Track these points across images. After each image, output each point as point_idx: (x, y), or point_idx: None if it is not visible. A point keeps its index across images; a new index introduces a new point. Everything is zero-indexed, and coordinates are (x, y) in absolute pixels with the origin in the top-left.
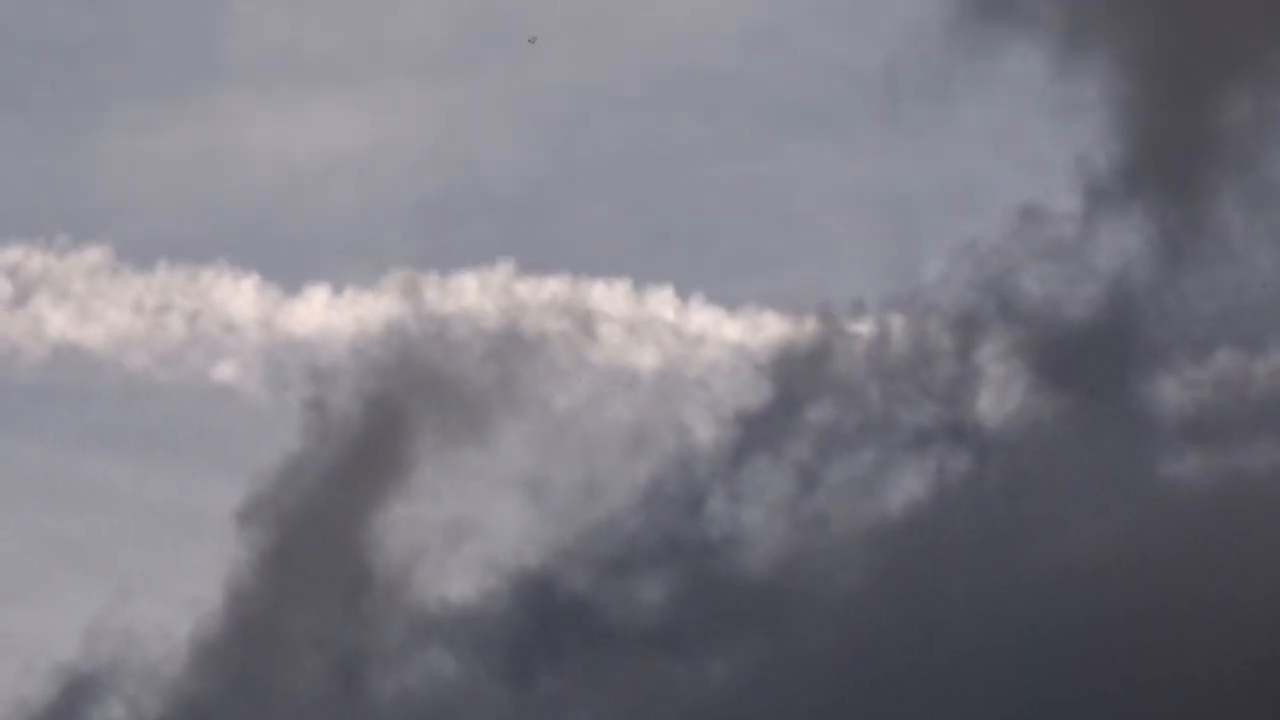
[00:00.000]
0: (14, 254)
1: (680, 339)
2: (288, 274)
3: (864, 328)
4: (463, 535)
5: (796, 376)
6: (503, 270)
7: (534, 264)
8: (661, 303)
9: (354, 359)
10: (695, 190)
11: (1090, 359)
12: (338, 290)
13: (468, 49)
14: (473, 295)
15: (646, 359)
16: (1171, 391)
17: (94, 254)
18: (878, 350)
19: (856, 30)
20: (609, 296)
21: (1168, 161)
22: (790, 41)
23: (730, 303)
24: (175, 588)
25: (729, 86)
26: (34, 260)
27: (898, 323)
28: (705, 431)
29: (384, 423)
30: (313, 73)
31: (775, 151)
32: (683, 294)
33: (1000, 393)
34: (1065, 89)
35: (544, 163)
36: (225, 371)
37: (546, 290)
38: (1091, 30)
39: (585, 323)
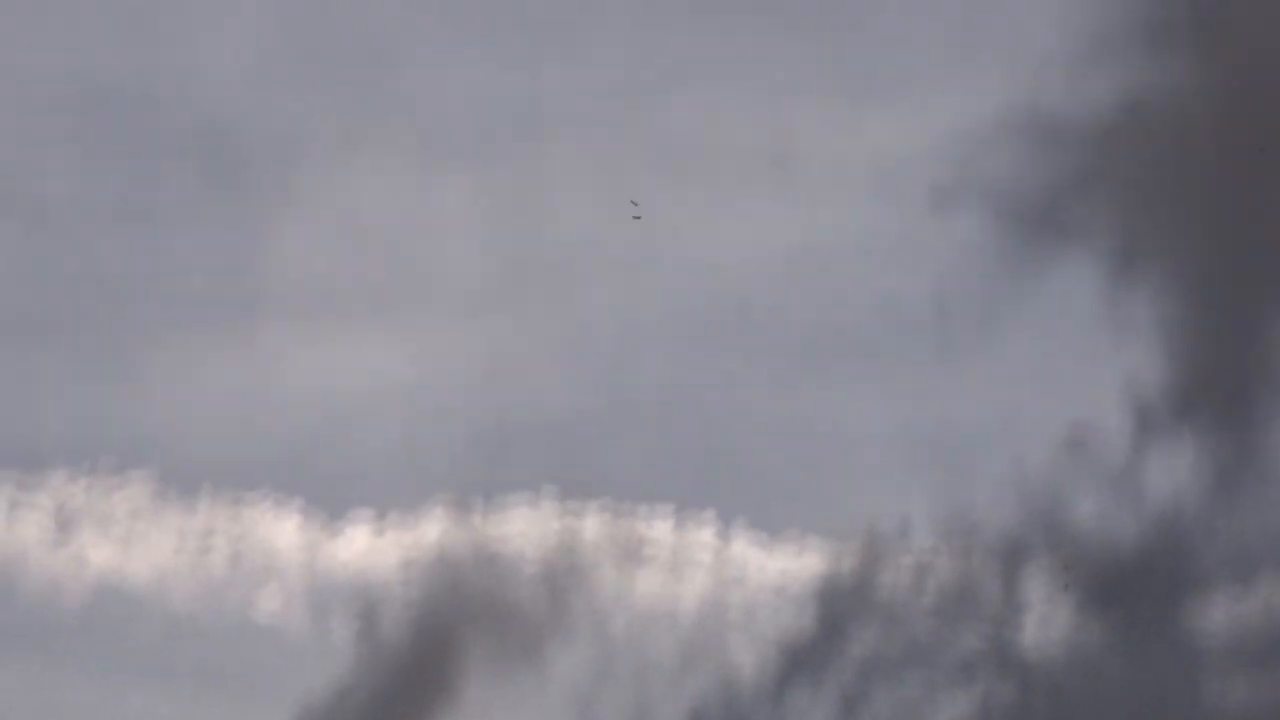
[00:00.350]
0: (57, 483)
1: (723, 567)
2: (331, 505)
3: (909, 554)
4: None
5: (840, 603)
6: (547, 500)
7: (578, 493)
8: (704, 531)
9: (400, 586)
10: (739, 420)
11: (1137, 585)
12: (381, 521)
13: (509, 281)
14: (516, 524)
15: (689, 587)
16: (1218, 617)
17: (137, 483)
18: (923, 577)
19: (903, 260)
20: (652, 525)
21: (1216, 386)
22: (835, 273)
23: (773, 531)
24: None
25: (772, 317)
26: (77, 488)
27: (943, 549)
28: (749, 658)
29: (431, 648)
30: (355, 305)
31: (819, 381)
32: (725, 522)
33: (1046, 618)
34: (1114, 311)
35: (587, 394)
36: (269, 603)
37: (590, 519)
38: (1142, 252)
39: (628, 551)
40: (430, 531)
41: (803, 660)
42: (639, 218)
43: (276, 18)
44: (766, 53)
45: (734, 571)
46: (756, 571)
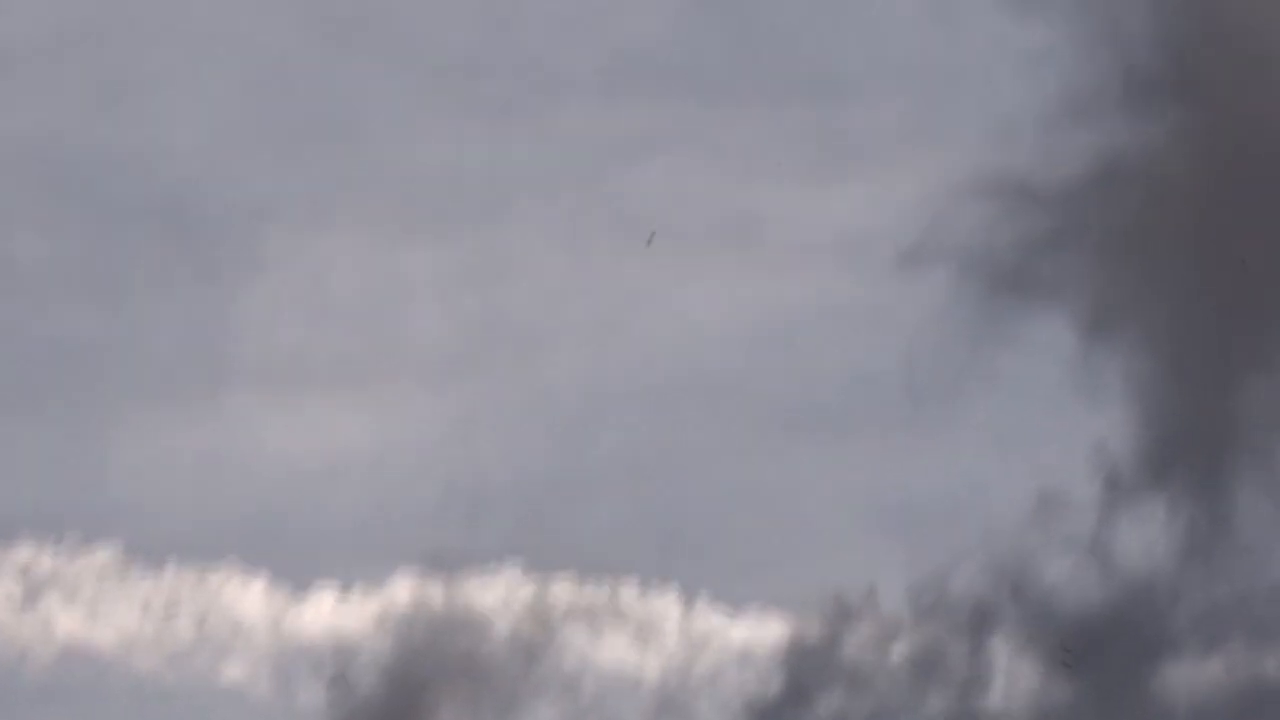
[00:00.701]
0: (23, 553)
1: (690, 629)
2: (297, 574)
3: (876, 617)
4: None
5: (806, 666)
6: (511, 569)
7: (542, 563)
8: (670, 599)
9: (369, 647)
10: (703, 491)
11: (1106, 649)
12: (347, 589)
13: (475, 351)
14: (481, 593)
15: (657, 649)
16: (1187, 682)
17: (103, 553)
18: (890, 641)
19: (870, 327)
20: (616, 596)
21: (1188, 450)
22: (801, 341)
23: (737, 603)
24: None
25: (738, 386)
26: (43, 559)
27: (910, 612)
28: (716, 718)
29: (401, 708)
30: (321, 375)
31: (787, 451)
32: (691, 588)
33: (1013, 682)
34: (1085, 375)
35: (552, 464)
36: (234, 671)
37: (554, 590)
38: (1113, 315)
39: (591, 622)
40: (399, 595)
41: None
42: (651, 240)
43: (244, 87)
44: (732, 123)
45: (702, 633)
46: (724, 634)
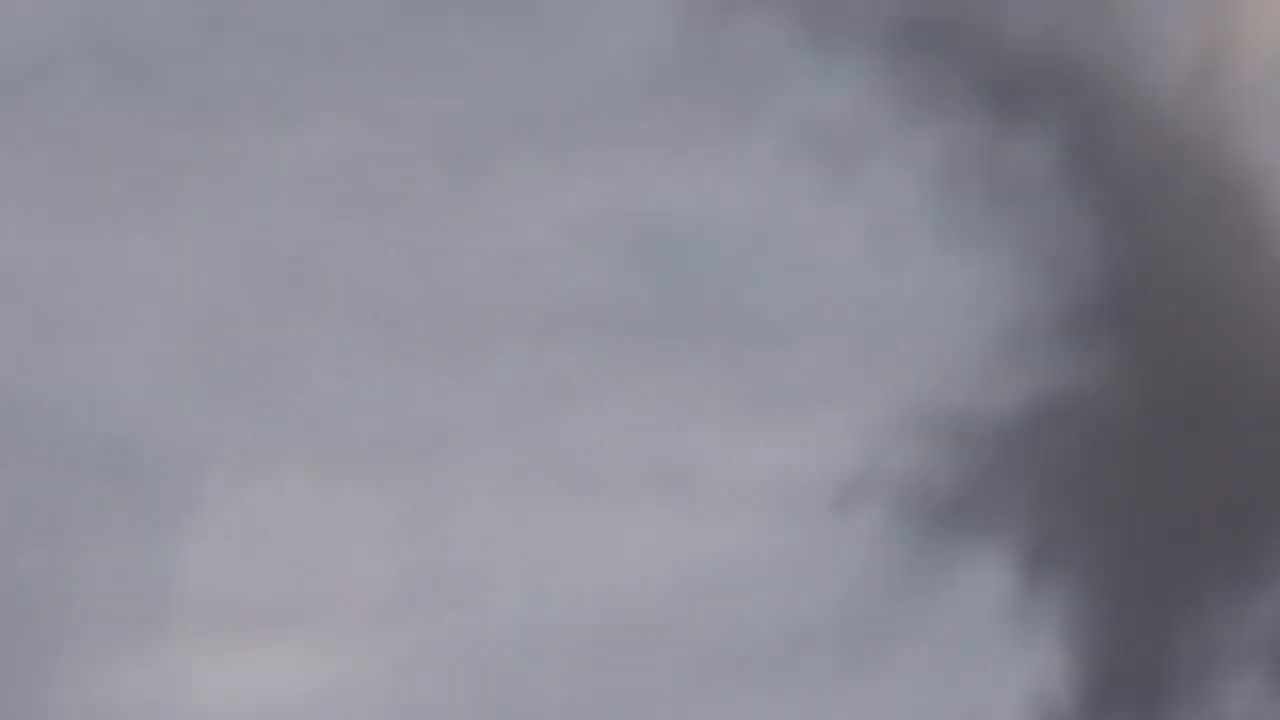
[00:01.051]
0: None
1: None
2: None
3: None
4: None
5: None
6: None
7: None
8: None
9: None
10: None
11: None
12: None
13: (414, 596)
14: None
15: None
16: None
17: None
18: None
19: (805, 571)
20: None
21: (1126, 691)
22: (735, 588)
23: None
24: None
25: (672, 634)
26: None
27: None
28: None
29: None
30: (260, 618)
31: (720, 700)
32: None
33: None
34: (1023, 615)
35: (489, 708)
36: None
37: None
38: (1052, 554)
39: None
40: None
41: None
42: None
43: (180, 330)
44: (665, 368)
45: None
46: None
